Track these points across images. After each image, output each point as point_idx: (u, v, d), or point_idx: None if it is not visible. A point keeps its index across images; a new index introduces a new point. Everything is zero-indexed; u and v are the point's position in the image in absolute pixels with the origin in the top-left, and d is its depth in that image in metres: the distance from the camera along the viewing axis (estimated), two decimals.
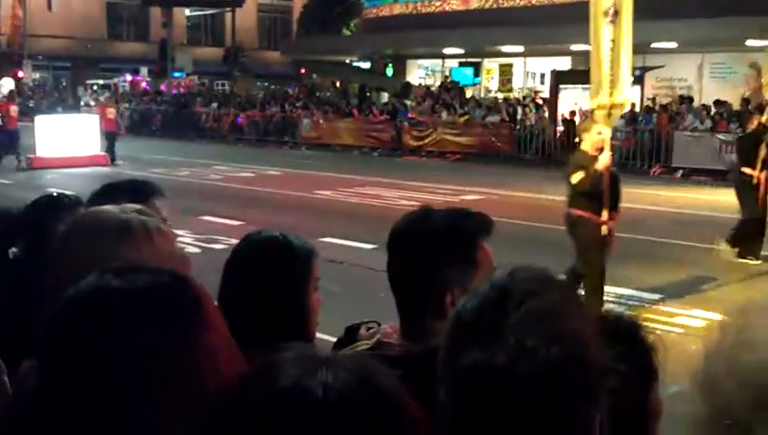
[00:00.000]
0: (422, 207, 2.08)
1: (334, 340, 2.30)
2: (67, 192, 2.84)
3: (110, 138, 25.29)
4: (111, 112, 26.19)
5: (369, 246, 11.65)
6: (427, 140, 28.59)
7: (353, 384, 1.01)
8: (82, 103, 43.27)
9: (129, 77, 49.51)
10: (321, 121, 32.03)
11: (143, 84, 47.89)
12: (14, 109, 25.29)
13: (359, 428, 0.98)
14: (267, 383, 1.01)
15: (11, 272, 2.62)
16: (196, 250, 10.78)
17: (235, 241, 2.40)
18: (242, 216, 14.25)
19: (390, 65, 38.65)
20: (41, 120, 25.72)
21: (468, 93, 33.39)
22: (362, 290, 8.55)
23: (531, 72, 35.04)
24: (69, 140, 24.41)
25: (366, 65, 40.82)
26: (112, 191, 2.48)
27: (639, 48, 29.02)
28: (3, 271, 2.64)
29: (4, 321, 2.18)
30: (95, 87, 48.45)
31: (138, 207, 1.87)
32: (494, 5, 33.18)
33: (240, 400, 1.03)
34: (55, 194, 2.73)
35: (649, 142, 23.97)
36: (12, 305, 2.35)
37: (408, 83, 36.01)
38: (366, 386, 1.02)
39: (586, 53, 33.92)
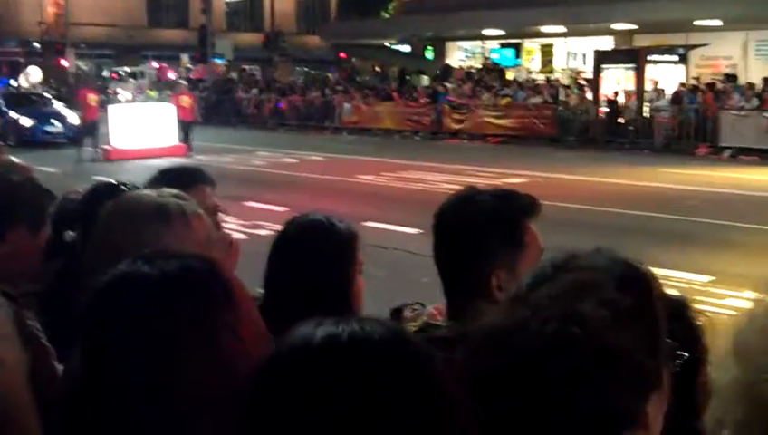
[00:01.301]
0: (468, 188, 2.06)
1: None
2: (124, 180, 2.87)
3: (185, 127, 24.49)
4: (186, 101, 25.10)
5: (413, 231, 11.63)
6: (467, 123, 28.46)
7: (390, 337, 1.03)
8: (109, 91, 43.33)
9: (155, 64, 49.80)
10: (361, 106, 32.03)
11: (169, 72, 48.19)
12: (92, 97, 24.25)
13: (393, 380, 0.99)
14: (295, 340, 1.04)
15: (65, 255, 2.66)
16: (242, 236, 10.84)
17: (279, 227, 2.40)
18: (286, 201, 14.29)
19: (430, 48, 38.49)
20: (115, 110, 25.08)
21: (509, 75, 33.14)
22: (406, 275, 8.55)
23: (572, 52, 34.67)
24: (144, 130, 23.61)
25: (406, 48, 40.69)
26: (166, 178, 2.49)
27: (683, 26, 28.54)
28: (58, 254, 2.68)
29: (58, 304, 2.21)
30: (120, 73, 48.62)
31: (176, 191, 1.88)
32: None
33: (272, 362, 1.05)
34: (114, 182, 2.76)
35: (695, 122, 23.63)
36: (65, 288, 2.38)
37: (448, 66, 35.83)
38: (401, 344, 1.03)
39: (629, 33, 33.28)
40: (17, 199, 2.52)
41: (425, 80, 36.06)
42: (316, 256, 2.21)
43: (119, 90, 44.68)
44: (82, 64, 51.74)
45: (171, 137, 24.15)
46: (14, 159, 4.08)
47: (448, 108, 29.16)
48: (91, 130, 23.43)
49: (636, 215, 13.64)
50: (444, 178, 17.40)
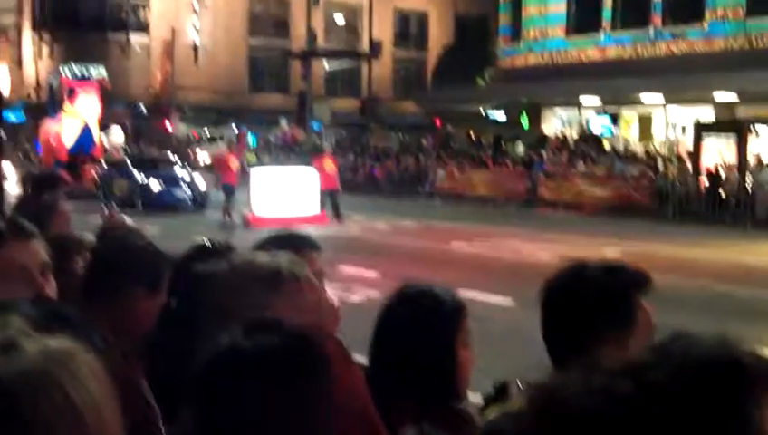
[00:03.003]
0: (576, 262, 2.03)
1: (477, 395, 2.25)
2: (218, 239, 2.91)
3: (330, 195, 23.34)
4: (330, 167, 23.90)
5: (507, 299, 11.48)
6: (563, 192, 28.19)
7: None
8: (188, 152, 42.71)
9: (236, 129, 51.21)
10: (455, 172, 32.10)
11: (248, 137, 49.50)
12: (235, 163, 23.69)
13: None
14: None
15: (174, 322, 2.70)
16: (334, 301, 10.86)
17: (372, 292, 2.41)
18: (379, 267, 14.33)
19: (526, 115, 38.46)
20: (257, 173, 23.99)
21: (606, 144, 32.80)
22: (501, 345, 8.44)
23: (672, 122, 34.17)
24: (287, 196, 22.50)
25: (501, 115, 40.75)
26: (275, 242, 2.52)
27: None
28: (167, 321, 2.72)
29: (166, 370, 2.24)
30: (201, 135, 49.25)
31: (289, 255, 1.89)
32: (633, 56, 32.64)
33: None
34: (207, 242, 2.81)
35: None
36: (173, 354, 2.41)
37: (544, 135, 35.70)
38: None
39: (730, 104, 32.69)
40: (138, 262, 2.60)
41: (520, 147, 35.97)
42: (422, 327, 2.20)
43: (197, 150, 45.76)
44: (185, 127, 53.42)
45: (313, 204, 22.92)
46: (128, 220, 4.21)
47: (543, 176, 28.98)
48: (229, 194, 22.61)
49: (739, 291, 13.22)
50: (538, 247, 17.21)
